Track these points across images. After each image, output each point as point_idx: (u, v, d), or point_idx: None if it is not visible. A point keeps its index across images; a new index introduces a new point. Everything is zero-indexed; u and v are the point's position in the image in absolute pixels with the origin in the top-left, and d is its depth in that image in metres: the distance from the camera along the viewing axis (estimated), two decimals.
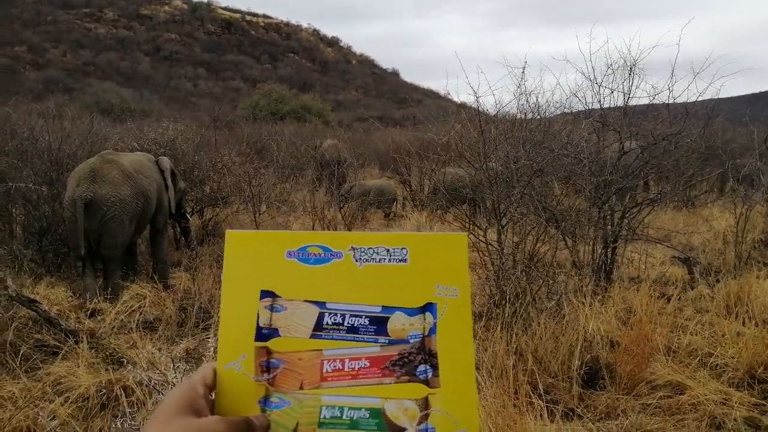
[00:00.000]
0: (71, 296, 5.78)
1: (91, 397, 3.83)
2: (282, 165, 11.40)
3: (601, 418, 3.73)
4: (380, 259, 0.82)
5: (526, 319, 4.46)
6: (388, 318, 0.80)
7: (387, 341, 0.79)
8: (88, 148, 7.93)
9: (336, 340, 0.79)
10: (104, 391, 3.91)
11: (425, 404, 0.77)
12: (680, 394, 3.92)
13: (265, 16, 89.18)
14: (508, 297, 4.59)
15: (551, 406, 3.64)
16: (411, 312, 0.80)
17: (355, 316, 0.80)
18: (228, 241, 0.82)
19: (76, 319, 5.24)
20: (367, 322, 0.80)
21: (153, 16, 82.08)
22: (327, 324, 0.79)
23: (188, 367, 4.14)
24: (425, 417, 0.77)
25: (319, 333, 0.79)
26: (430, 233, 0.88)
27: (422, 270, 0.82)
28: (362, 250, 0.82)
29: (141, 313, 5.37)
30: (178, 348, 4.64)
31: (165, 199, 6.71)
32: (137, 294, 5.80)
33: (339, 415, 0.77)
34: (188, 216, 7.90)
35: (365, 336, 0.79)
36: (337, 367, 0.78)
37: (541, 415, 3.37)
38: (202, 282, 5.96)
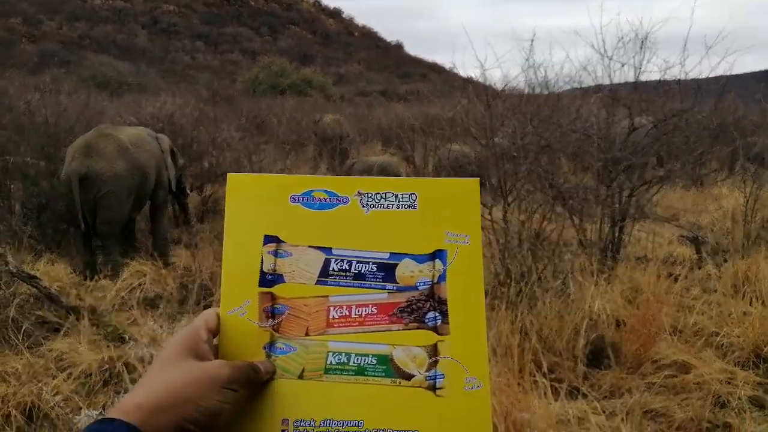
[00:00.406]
0: (72, 273, 5.74)
1: (93, 374, 3.84)
2: (282, 140, 11.27)
3: (606, 396, 3.73)
4: (388, 205, 0.80)
5: (532, 298, 4.42)
6: (396, 265, 0.79)
7: (395, 288, 0.78)
8: (85, 123, 7.82)
9: (342, 286, 0.78)
10: (107, 367, 3.90)
11: (434, 351, 0.76)
12: (685, 373, 3.92)
13: None
14: (513, 276, 4.55)
15: (556, 384, 3.63)
16: (420, 259, 0.79)
17: (362, 262, 0.79)
18: (230, 184, 0.80)
19: (77, 295, 5.21)
20: (375, 269, 0.78)
21: None
22: (333, 270, 0.78)
23: None
24: (434, 364, 0.76)
25: (325, 279, 0.78)
26: (441, 178, 0.85)
27: (432, 216, 0.80)
28: (369, 195, 0.80)
29: (142, 291, 5.35)
30: (180, 325, 4.62)
31: (165, 174, 6.62)
32: (137, 271, 5.76)
33: (346, 361, 0.76)
34: (188, 192, 7.82)
35: (373, 283, 0.78)
36: (343, 314, 0.77)
37: (545, 394, 3.36)
38: (203, 259, 5.91)
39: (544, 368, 3.62)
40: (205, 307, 4.99)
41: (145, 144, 6.27)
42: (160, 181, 6.53)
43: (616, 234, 5.75)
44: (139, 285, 5.47)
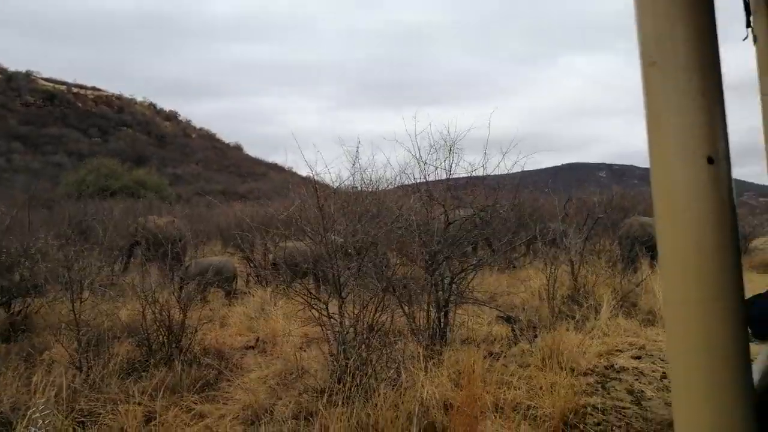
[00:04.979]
0: None
1: None
2: (109, 246, 10.48)
3: None
4: None
5: (368, 390, 4.50)
6: None
7: None
8: None
9: None
10: None
11: None
12: None
13: (94, 89, 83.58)
14: (350, 370, 4.62)
15: None
16: None
17: None
18: None
19: None
20: None
21: None
22: None
23: None
24: None
25: None
26: None
27: None
28: None
29: None
30: None
31: None
32: None
33: None
34: None
35: None
36: None
37: None
38: (5, 387, 5.12)
39: None
40: None
41: None
42: None
43: (442, 319, 6.18)
44: None
